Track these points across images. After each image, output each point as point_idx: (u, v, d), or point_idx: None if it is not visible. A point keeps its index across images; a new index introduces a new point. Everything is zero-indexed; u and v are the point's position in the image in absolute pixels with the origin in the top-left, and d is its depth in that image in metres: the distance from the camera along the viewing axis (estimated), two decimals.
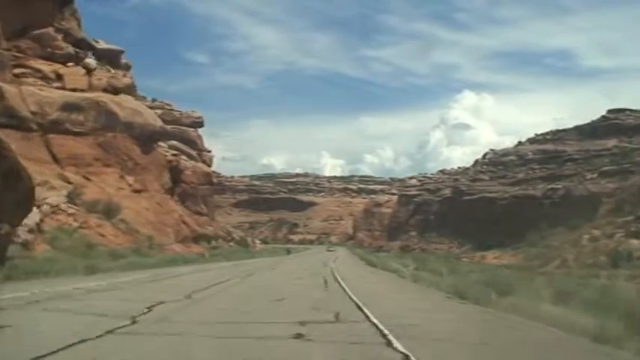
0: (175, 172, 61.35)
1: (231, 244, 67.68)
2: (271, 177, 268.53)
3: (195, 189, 68.80)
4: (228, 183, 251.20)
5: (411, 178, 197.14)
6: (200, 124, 77.95)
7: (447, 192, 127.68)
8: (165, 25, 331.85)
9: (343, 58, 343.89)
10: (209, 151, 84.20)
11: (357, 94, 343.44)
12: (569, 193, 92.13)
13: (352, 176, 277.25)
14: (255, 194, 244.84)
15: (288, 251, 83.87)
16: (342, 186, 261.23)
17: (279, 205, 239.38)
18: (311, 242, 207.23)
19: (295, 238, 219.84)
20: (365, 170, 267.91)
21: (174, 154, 65.13)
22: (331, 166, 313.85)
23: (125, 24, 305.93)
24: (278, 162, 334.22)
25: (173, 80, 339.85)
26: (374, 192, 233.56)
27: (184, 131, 72.94)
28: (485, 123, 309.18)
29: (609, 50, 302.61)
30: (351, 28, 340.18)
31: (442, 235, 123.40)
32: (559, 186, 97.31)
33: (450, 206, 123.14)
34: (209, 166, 78.35)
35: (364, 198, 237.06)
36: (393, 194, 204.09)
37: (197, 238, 55.32)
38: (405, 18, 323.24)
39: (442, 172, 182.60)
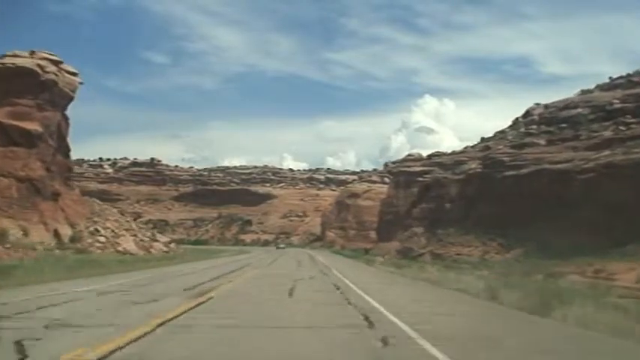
0: None
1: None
2: (224, 169, 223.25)
3: None
4: (169, 172, 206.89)
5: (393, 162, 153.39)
6: None
7: (475, 165, 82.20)
8: (123, 24, 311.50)
9: (305, 61, 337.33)
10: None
11: (318, 97, 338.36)
12: None
13: (318, 169, 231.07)
14: (201, 185, 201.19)
15: None
16: (306, 176, 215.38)
17: (229, 198, 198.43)
18: (266, 243, 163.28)
19: (248, 238, 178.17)
20: None
21: None
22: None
23: (83, 23, 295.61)
24: (239, 163, 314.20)
25: (131, 80, 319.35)
26: (346, 183, 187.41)
27: None
28: (446, 128, 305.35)
29: (568, 58, 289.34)
30: (313, 30, 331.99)
31: (467, 232, 77.82)
32: None
33: (481, 187, 77.76)
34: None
35: (333, 190, 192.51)
36: (373, 182, 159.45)
37: None
38: (366, 22, 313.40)
39: (434, 154, 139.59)
